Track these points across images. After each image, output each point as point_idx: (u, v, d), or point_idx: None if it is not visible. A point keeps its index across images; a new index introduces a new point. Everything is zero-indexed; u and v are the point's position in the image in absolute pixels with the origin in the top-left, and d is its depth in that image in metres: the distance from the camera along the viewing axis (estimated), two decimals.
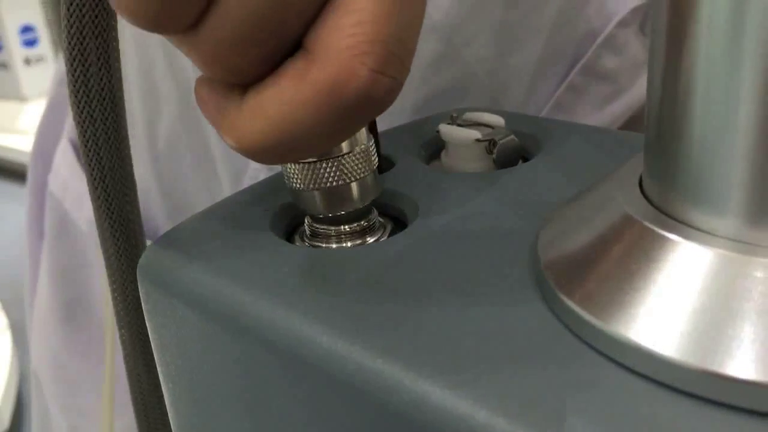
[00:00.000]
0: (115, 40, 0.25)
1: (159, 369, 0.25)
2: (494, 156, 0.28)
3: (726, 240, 0.17)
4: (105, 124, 0.25)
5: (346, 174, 0.23)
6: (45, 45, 2.75)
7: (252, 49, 0.18)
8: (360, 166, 0.23)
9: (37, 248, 0.57)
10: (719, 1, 0.16)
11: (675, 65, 0.17)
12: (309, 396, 0.20)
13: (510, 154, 0.28)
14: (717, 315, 0.16)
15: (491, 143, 0.28)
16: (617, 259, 0.18)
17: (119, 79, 0.26)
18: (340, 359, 0.19)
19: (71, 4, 0.24)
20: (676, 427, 0.15)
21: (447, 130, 0.29)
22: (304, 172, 0.23)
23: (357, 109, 0.18)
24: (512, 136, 0.28)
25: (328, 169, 0.23)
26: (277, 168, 0.34)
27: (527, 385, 0.16)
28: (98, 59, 0.24)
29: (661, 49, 0.18)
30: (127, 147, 0.27)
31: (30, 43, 2.71)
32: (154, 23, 0.18)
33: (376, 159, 0.24)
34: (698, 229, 0.17)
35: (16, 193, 2.45)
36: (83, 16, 0.24)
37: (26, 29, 2.68)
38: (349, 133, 0.20)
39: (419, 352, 0.18)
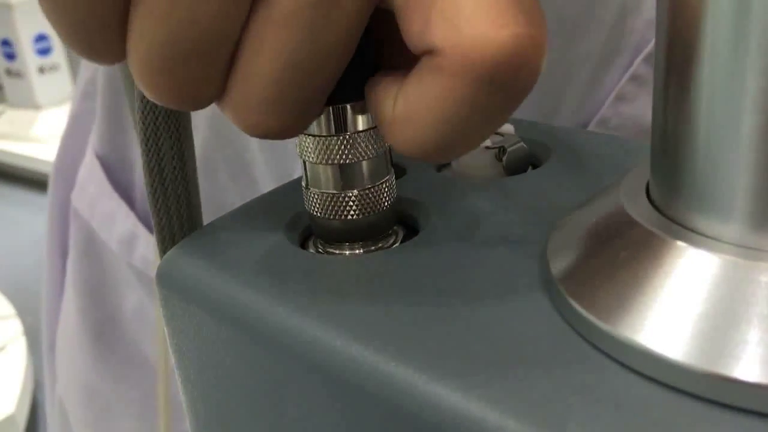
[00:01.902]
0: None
1: (177, 373, 0.25)
2: (504, 163, 0.28)
3: (731, 245, 0.17)
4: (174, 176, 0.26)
5: (367, 207, 0.24)
6: (59, 54, 2.77)
7: (286, 106, 0.18)
8: (382, 198, 0.24)
9: (59, 267, 0.56)
10: (722, 13, 0.16)
11: (679, 73, 0.17)
12: (325, 399, 0.20)
13: (519, 161, 0.29)
14: (723, 319, 0.16)
15: (501, 150, 0.28)
16: (625, 265, 0.18)
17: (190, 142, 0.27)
18: (354, 363, 0.19)
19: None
20: (682, 429, 0.15)
21: None
22: (325, 202, 0.24)
23: (506, 78, 0.16)
24: (521, 144, 0.29)
25: (350, 202, 0.23)
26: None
27: (537, 388, 0.17)
28: (170, 137, 0.25)
29: (666, 56, 0.18)
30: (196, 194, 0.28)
31: (44, 51, 2.73)
32: (176, 103, 0.18)
33: (395, 190, 0.25)
34: (704, 235, 0.18)
35: (31, 200, 2.47)
36: None
37: (40, 38, 2.71)
38: (511, 107, 0.18)
39: (431, 355, 0.18)
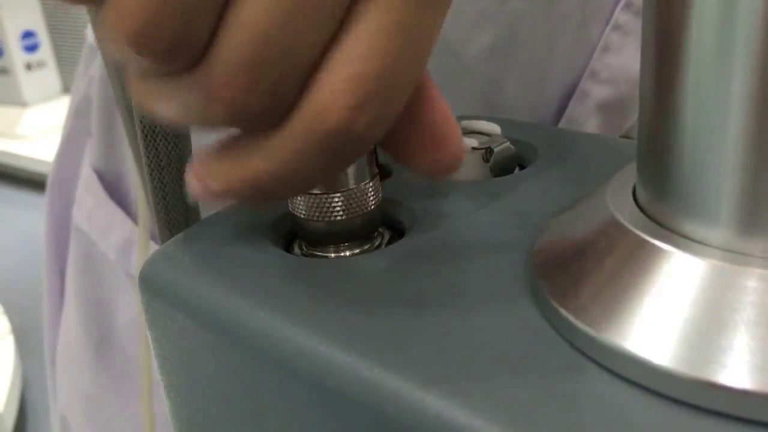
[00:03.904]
0: None
1: (161, 378, 0.25)
2: (490, 164, 0.28)
3: (718, 250, 0.17)
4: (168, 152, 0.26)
5: (353, 208, 0.23)
6: (46, 50, 2.75)
7: (260, 80, 0.17)
8: (368, 199, 0.24)
9: (58, 284, 0.56)
10: (708, 14, 0.16)
11: (666, 77, 0.17)
12: (308, 405, 0.20)
13: (506, 162, 0.28)
14: (710, 324, 0.16)
15: (487, 151, 0.28)
16: (611, 269, 0.18)
17: None
18: (338, 369, 0.19)
19: None
20: None
21: None
22: (310, 203, 0.23)
23: (336, 146, 0.18)
24: (508, 144, 0.29)
25: (334, 203, 0.23)
26: None
27: (522, 395, 0.17)
28: None
29: (652, 60, 0.18)
30: None
31: (31, 48, 2.71)
32: (161, 55, 0.17)
33: (381, 191, 0.25)
34: (690, 239, 0.18)
35: (18, 198, 2.45)
36: None
37: (27, 34, 2.69)
38: (337, 168, 0.20)
39: (415, 361, 0.18)
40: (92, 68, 0.49)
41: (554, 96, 0.40)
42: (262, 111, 0.18)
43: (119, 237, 0.49)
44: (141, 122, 0.26)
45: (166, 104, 0.19)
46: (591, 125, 0.40)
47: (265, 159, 0.19)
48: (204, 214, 0.29)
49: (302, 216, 0.24)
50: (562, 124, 0.40)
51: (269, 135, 0.19)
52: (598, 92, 0.39)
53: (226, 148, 0.20)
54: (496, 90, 0.39)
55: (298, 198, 0.24)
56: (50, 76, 2.77)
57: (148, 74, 0.19)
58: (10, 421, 1.48)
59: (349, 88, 0.17)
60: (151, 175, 0.27)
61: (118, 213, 0.49)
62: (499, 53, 0.38)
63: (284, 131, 0.18)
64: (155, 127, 0.26)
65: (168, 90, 0.19)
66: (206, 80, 0.18)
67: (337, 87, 0.17)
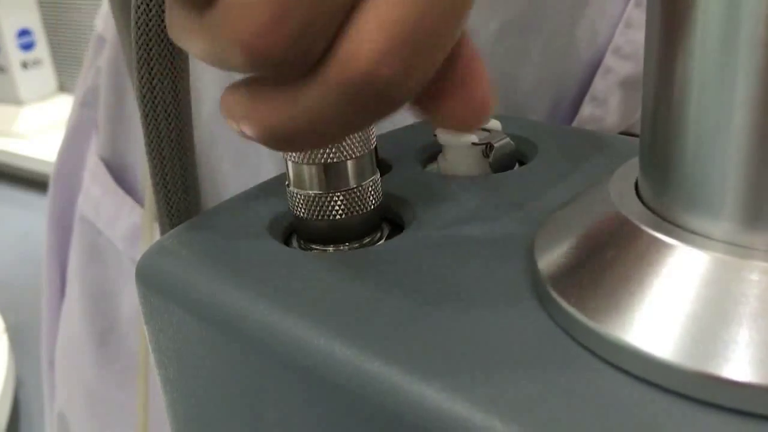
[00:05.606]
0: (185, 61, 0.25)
1: (157, 372, 0.25)
2: (490, 160, 0.28)
3: (721, 243, 0.17)
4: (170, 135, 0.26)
5: (353, 207, 0.23)
6: (42, 48, 2.75)
7: (282, 22, 0.16)
8: (368, 198, 0.24)
9: (57, 282, 0.55)
10: (713, 8, 0.16)
11: (669, 70, 0.17)
12: (307, 399, 0.20)
13: (506, 157, 0.28)
14: (713, 318, 0.16)
15: (488, 147, 0.28)
16: (613, 263, 0.18)
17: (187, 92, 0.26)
18: (338, 362, 0.19)
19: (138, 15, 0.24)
20: (671, 430, 0.15)
21: (444, 133, 0.29)
22: (311, 203, 0.23)
23: (363, 97, 0.17)
24: (508, 140, 0.29)
25: (335, 202, 0.23)
26: None
27: (524, 388, 0.17)
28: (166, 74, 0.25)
29: (656, 53, 0.18)
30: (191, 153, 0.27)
31: (27, 46, 2.71)
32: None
33: (381, 190, 0.25)
34: (694, 233, 0.17)
35: (13, 197, 2.44)
36: (150, 29, 0.24)
37: (23, 33, 2.68)
38: (363, 123, 0.18)
39: (416, 355, 0.18)
40: (100, 59, 0.49)
41: (577, 72, 0.39)
42: (286, 60, 0.17)
43: (127, 224, 0.48)
44: (145, 115, 0.26)
45: (189, 41, 0.18)
46: (613, 102, 0.40)
47: (289, 106, 0.18)
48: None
49: (302, 215, 0.24)
50: (585, 102, 0.40)
51: (295, 83, 0.17)
52: (622, 68, 0.39)
53: (256, 88, 0.18)
54: (518, 67, 0.38)
55: (299, 197, 0.23)
56: (46, 74, 2.76)
57: (177, 4, 0.18)
58: (2, 421, 1.47)
59: (378, 33, 0.16)
60: (153, 169, 0.27)
61: (126, 201, 0.49)
62: (521, 28, 0.37)
63: (311, 79, 0.17)
64: (158, 120, 0.25)
65: (191, 26, 0.18)
66: (222, 20, 0.16)
67: (365, 32, 0.16)
